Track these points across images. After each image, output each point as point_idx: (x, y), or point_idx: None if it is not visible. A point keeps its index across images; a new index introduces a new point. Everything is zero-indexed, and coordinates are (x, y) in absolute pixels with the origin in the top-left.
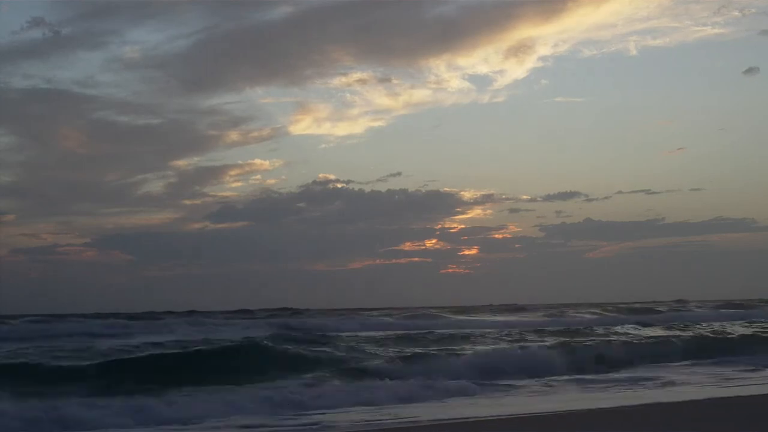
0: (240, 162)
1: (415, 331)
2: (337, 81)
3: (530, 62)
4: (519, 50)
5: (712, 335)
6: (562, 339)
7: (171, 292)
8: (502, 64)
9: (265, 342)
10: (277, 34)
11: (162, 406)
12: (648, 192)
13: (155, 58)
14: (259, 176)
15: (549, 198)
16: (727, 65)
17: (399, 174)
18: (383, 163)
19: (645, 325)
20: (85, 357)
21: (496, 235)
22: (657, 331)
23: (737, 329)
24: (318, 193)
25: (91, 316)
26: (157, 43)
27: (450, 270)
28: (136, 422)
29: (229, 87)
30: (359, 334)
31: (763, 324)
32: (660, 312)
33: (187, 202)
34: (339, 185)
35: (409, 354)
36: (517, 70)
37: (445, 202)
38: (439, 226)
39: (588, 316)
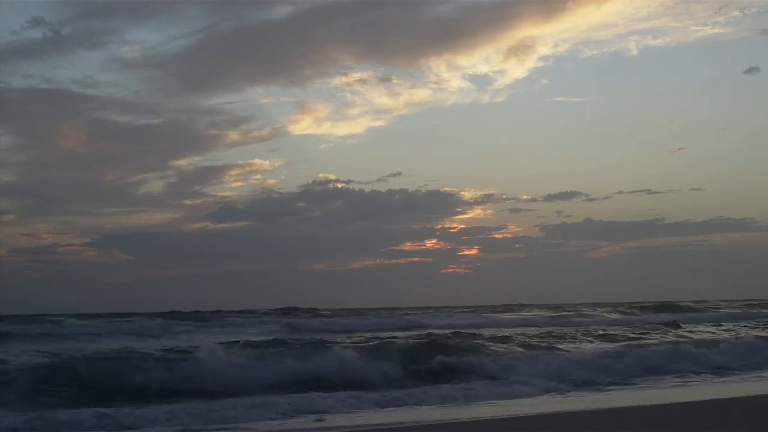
0: (240, 162)
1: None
2: (338, 81)
3: (531, 62)
4: (519, 50)
5: None
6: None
7: (171, 292)
8: (502, 64)
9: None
10: (278, 33)
11: None
12: (648, 192)
13: (155, 58)
14: (259, 176)
15: (549, 198)
16: (728, 65)
17: (399, 174)
18: (383, 162)
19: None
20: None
21: (497, 235)
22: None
23: None
24: (318, 193)
25: (125, 315)
26: (157, 42)
27: (450, 270)
28: None
29: (229, 87)
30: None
31: None
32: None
33: (187, 202)
34: (339, 185)
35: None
36: (518, 69)
37: (446, 202)
38: (440, 226)
39: (615, 316)
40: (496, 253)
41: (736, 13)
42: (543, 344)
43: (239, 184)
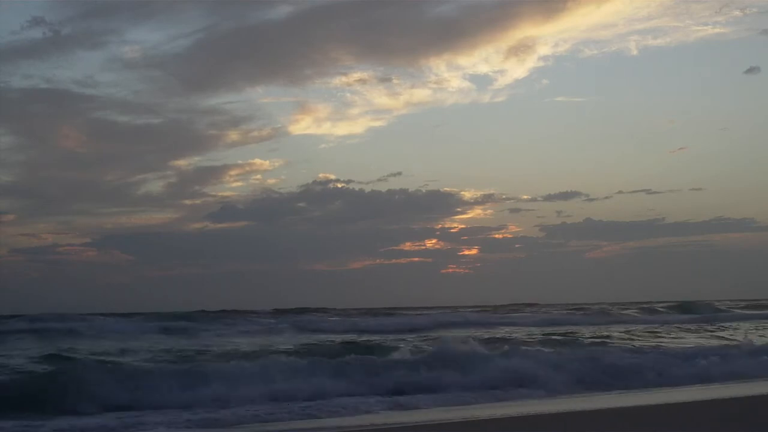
0: (240, 162)
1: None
2: (338, 81)
3: (531, 62)
4: (519, 50)
5: None
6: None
7: (171, 292)
8: (502, 64)
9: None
10: (278, 33)
11: None
12: (649, 192)
13: (155, 58)
14: (259, 176)
15: (549, 198)
16: (729, 65)
17: (399, 174)
18: (383, 162)
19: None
20: None
21: (497, 235)
22: None
23: None
24: (318, 193)
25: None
26: (157, 42)
27: (450, 270)
28: None
29: (229, 86)
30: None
31: None
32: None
33: (187, 202)
34: (339, 185)
35: None
36: (518, 69)
37: (446, 202)
38: (440, 226)
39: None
40: (496, 253)
41: (737, 12)
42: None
43: (239, 184)
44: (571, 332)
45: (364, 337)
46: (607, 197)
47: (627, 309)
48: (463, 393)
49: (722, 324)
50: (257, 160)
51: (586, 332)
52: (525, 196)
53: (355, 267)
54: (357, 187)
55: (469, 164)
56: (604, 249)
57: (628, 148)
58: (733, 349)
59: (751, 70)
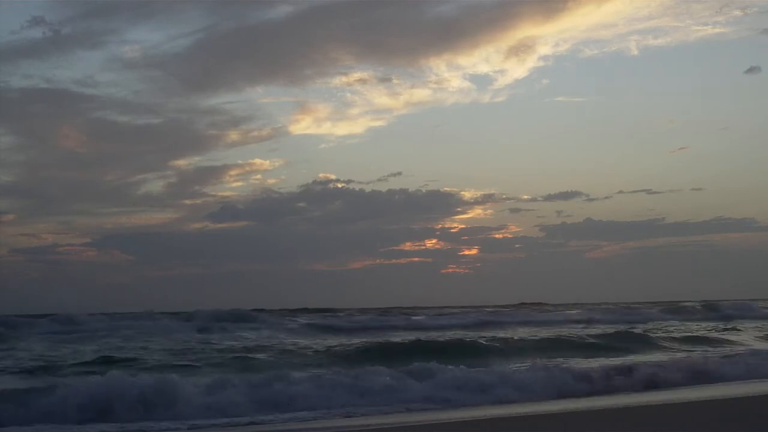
0: (240, 162)
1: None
2: (338, 80)
3: (531, 62)
4: (520, 50)
5: None
6: None
7: (171, 292)
8: (502, 64)
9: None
10: (278, 33)
11: None
12: (649, 192)
13: (155, 58)
14: (259, 176)
15: (550, 198)
16: (729, 65)
17: (399, 174)
18: (383, 162)
19: None
20: None
21: (497, 235)
22: None
23: None
24: (318, 193)
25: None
26: (156, 42)
27: (450, 270)
28: None
29: (229, 86)
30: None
31: None
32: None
33: (187, 202)
34: (339, 185)
35: None
36: (518, 69)
37: (446, 202)
38: (440, 226)
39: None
40: (496, 253)
41: (737, 12)
42: None
43: (239, 184)
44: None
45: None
46: (607, 197)
47: (651, 308)
48: None
49: None
50: (257, 160)
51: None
52: (525, 196)
53: (355, 267)
54: (357, 187)
55: (469, 164)
56: (604, 249)
57: (629, 148)
58: None
59: (752, 70)
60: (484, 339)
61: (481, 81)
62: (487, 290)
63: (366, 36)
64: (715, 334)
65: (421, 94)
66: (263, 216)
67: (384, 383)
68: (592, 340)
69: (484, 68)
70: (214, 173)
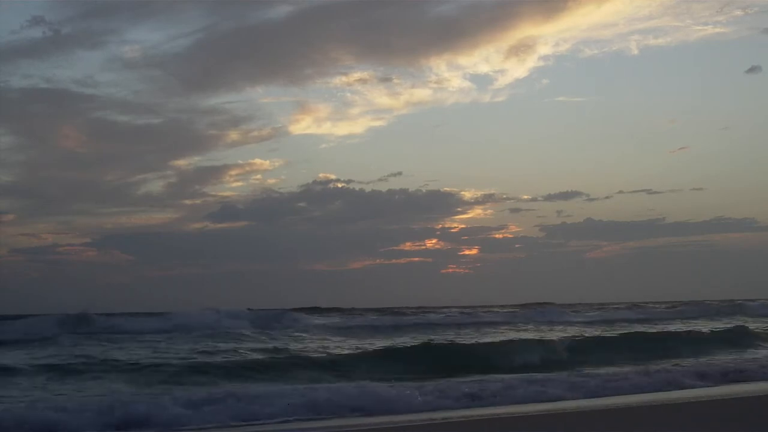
0: (240, 162)
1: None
2: (338, 80)
3: (531, 61)
4: (520, 49)
5: None
6: None
7: (171, 292)
8: (503, 64)
9: None
10: (278, 33)
11: None
12: (649, 192)
13: (155, 58)
14: (259, 176)
15: (550, 198)
16: (730, 64)
17: (399, 174)
18: (384, 162)
19: None
20: None
21: (497, 235)
22: None
23: None
24: (318, 193)
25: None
26: (156, 42)
27: (450, 270)
28: None
29: (229, 86)
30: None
31: None
32: None
33: (187, 202)
34: (339, 185)
35: None
36: (518, 69)
37: (446, 202)
38: (440, 226)
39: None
40: (497, 253)
41: (738, 12)
42: None
43: (239, 184)
44: None
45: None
46: (607, 197)
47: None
48: None
49: None
50: (257, 160)
51: None
52: (525, 196)
53: (355, 267)
54: (357, 187)
55: (470, 164)
56: (605, 249)
57: (629, 148)
58: None
59: (753, 70)
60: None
61: (482, 81)
62: (487, 290)
63: (366, 36)
64: None
65: (422, 94)
66: (263, 216)
67: None
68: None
69: (484, 68)
70: (214, 173)
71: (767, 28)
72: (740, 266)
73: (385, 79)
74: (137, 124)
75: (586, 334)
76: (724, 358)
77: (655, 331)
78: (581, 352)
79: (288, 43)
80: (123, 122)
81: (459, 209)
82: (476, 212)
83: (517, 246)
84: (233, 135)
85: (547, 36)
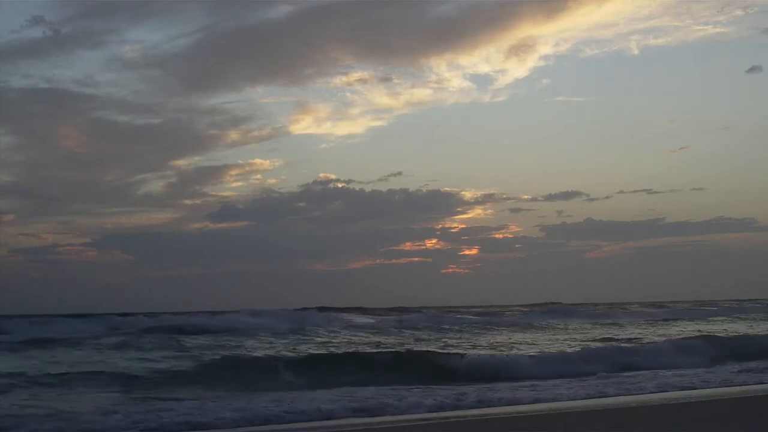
0: (240, 162)
1: None
2: (338, 80)
3: (531, 61)
4: (520, 49)
5: None
6: None
7: (171, 292)
8: (503, 64)
9: None
10: (278, 33)
11: None
12: (649, 192)
13: (155, 58)
14: (259, 176)
15: (550, 198)
16: (730, 64)
17: (400, 174)
18: (384, 162)
19: None
20: None
21: (497, 235)
22: None
23: None
24: (318, 193)
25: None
26: (156, 42)
27: (450, 270)
28: None
29: (229, 86)
30: None
31: None
32: None
33: (187, 202)
34: (339, 185)
35: None
36: (519, 69)
37: (446, 202)
38: (440, 225)
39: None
40: (497, 253)
41: (738, 12)
42: None
43: (239, 184)
44: None
45: None
46: (607, 197)
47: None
48: None
49: None
50: (257, 160)
51: None
52: (525, 196)
53: (355, 267)
54: (357, 187)
55: (470, 164)
56: (605, 249)
57: (629, 148)
58: None
59: (753, 70)
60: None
61: (482, 81)
62: (488, 290)
63: (366, 36)
64: None
65: (422, 93)
66: (263, 216)
67: None
68: None
69: (484, 68)
70: (214, 173)
71: (767, 28)
72: (740, 266)
73: (385, 79)
74: (137, 124)
75: None
76: None
77: None
78: None
79: (288, 43)
80: (123, 122)
81: (459, 209)
82: (476, 212)
83: (517, 246)
84: (233, 135)
85: (548, 36)
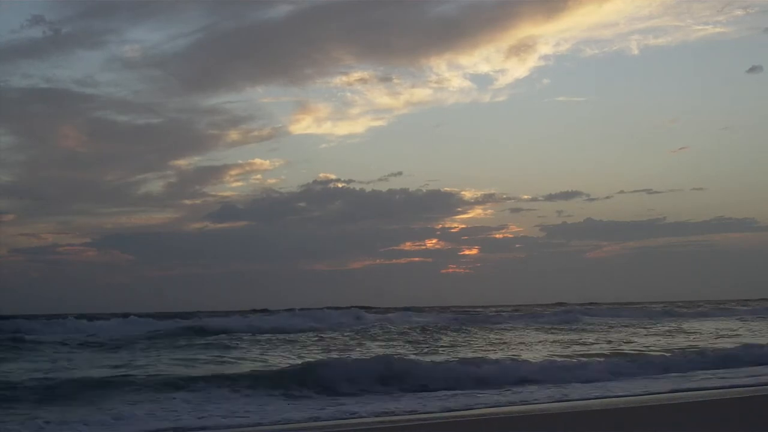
0: (240, 162)
1: None
2: (338, 80)
3: (531, 61)
4: (520, 49)
5: None
6: None
7: (171, 292)
8: (503, 63)
9: None
10: (278, 33)
11: None
12: (649, 192)
13: (155, 57)
14: (259, 176)
15: (550, 198)
16: (731, 64)
17: (400, 173)
18: (384, 162)
19: None
20: None
21: (497, 235)
22: None
23: None
24: (318, 193)
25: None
26: (156, 42)
27: (450, 270)
28: None
29: (229, 86)
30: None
31: None
32: None
33: (187, 201)
34: (339, 185)
35: None
36: (519, 69)
37: (446, 202)
38: (440, 225)
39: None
40: (497, 253)
41: (739, 12)
42: None
43: (239, 184)
44: None
45: None
46: (607, 197)
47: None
48: None
49: None
50: (257, 160)
51: None
52: (525, 196)
53: (355, 267)
54: (357, 187)
55: (470, 164)
56: (605, 249)
57: (629, 148)
58: None
59: (753, 70)
60: None
61: (482, 81)
62: (488, 290)
63: (366, 36)
64: None
65: (422, 93)
66: (263, 216)
67: None
68: None
69: (484, 68)
70: (214, 173)
71: (767, 28)
72: (740, 266)
73: (385, 79)
74: (137, 124)
75: None
76: None
77: None
78: None
79: (288, 43)
80: (123, 122)
81: (459, 209)
82: (476, 212)
83: (517, 246)
84: (233, 135)
85: (548, 36)
